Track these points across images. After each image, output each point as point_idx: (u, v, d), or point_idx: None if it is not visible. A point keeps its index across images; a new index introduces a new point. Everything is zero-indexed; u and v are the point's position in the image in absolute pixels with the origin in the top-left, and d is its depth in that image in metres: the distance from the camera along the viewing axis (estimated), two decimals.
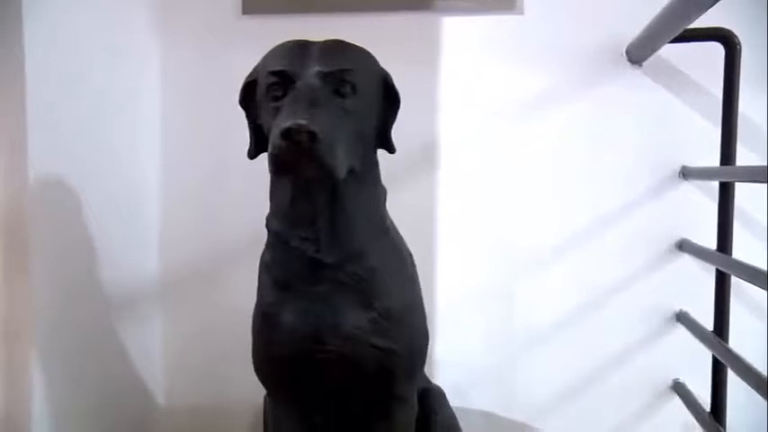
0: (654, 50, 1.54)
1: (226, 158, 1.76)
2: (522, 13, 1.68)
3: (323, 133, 0.96)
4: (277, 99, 1.05)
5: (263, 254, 1.21)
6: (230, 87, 1.72)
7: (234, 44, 1.74)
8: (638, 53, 1.59)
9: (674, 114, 1.65)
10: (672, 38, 1.41)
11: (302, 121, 0.95)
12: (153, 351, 1.80)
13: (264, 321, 1.16)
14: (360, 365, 1.12)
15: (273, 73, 1.06)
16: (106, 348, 1.65)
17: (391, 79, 1.16)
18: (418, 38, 1.71)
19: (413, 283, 1.22)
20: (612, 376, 1.70)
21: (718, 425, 1.46)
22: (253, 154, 1.19)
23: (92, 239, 1.55)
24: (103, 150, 1.61)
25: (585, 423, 1.71)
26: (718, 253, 1.46)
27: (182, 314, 1.81)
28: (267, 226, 1.18)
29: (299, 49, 1.08)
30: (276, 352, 1.14)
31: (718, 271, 1.49)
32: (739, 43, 1.47)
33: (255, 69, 1.15)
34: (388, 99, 1.16)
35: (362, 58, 1.12)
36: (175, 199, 1.79)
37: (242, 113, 1.19)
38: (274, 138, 0.98)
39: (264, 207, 1.72)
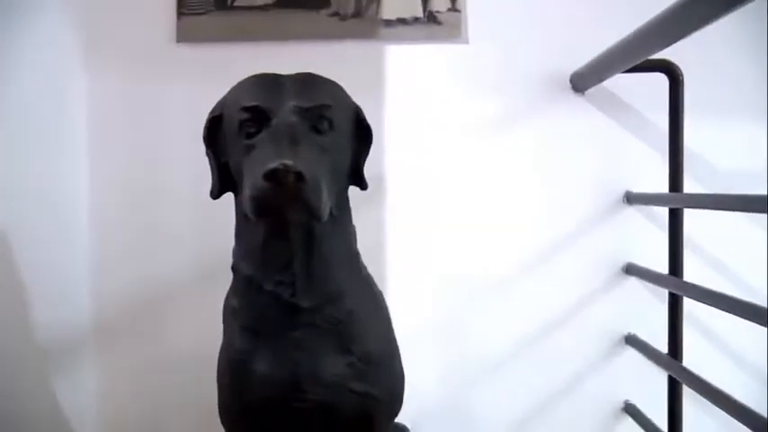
0: (601, 80, 1.57)
1: (160, 191, 1.68)
2: (467, 42, 1.69)
3: (309, 174, 0.91)
4: (251, 136, 1.00)
5: (228, 297, 1.14)
6: (164, 116, 1.66)
7: (168, 72, 1.68)
8: (583, 82, 1.62)
9: (617, 141, 1.69)
10: (622, 70, 1.44)
11: (289, 162, 0.89)
12: (85, 404, 1.67)
13: (235, 369, 1.09)
14: (339, 412, 1.07)
15: (246, 109, 1.00)
16: (36, 400, 1.52)
17: (363, 113, 1.12)
18: (362, 67, 1.68)
19: (388, 323, 1.18)
20: (566, 401, 1.71)
21: None
22: (217, 193, 1.11)
23: (20, 282, 1.44)
24: (29, 186, 1.49)
25: None
26: (671, 276, 1.49)
27: (116, 361, 1.69)
28: (234, 269, 1.11)
29: (272, 83, 1.03)
30: (250, 401, 1.07)
31: (671, 294, 1.52)
32: (682, 74, 1.51)
33: (221, 104, 1.08)
34: (360, 133, 1.12)
35: (337, 92, 1.08)
36: (107, 235, 1.68)
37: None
38: (256, 179, 0.92)
39: (203, 241, 1.66)
